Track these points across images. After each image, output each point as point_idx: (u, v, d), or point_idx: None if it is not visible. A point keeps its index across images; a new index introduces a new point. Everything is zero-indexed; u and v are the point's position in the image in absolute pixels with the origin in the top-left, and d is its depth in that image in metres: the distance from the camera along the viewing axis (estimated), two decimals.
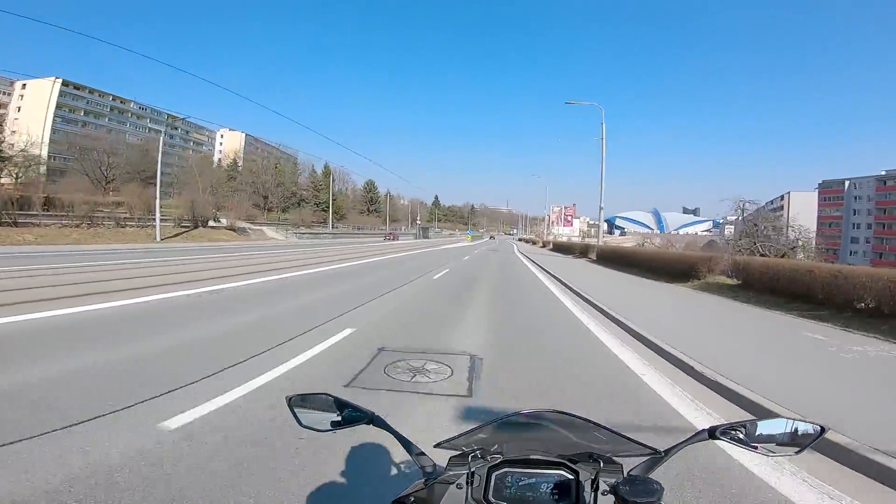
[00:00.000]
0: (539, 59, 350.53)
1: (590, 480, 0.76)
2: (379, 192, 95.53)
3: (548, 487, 0.77)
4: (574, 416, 0.81)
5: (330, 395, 0.95)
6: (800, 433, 0.81)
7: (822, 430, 0.80)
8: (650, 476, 0.78)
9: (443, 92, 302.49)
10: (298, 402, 0.95)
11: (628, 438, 0.80)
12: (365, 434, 1.19)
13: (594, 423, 0.81)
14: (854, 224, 68.55)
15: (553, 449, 0.82)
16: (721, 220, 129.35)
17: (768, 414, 3.20)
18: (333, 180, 76.05)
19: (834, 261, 36.59)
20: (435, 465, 0.86)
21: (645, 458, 0.82)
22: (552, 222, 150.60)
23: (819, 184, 76.30)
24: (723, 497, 2.29)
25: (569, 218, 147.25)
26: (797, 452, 0.81)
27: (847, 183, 70.28)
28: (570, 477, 0.78)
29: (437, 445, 0.84)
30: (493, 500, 0.77)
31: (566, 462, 0.79)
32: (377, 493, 2.06)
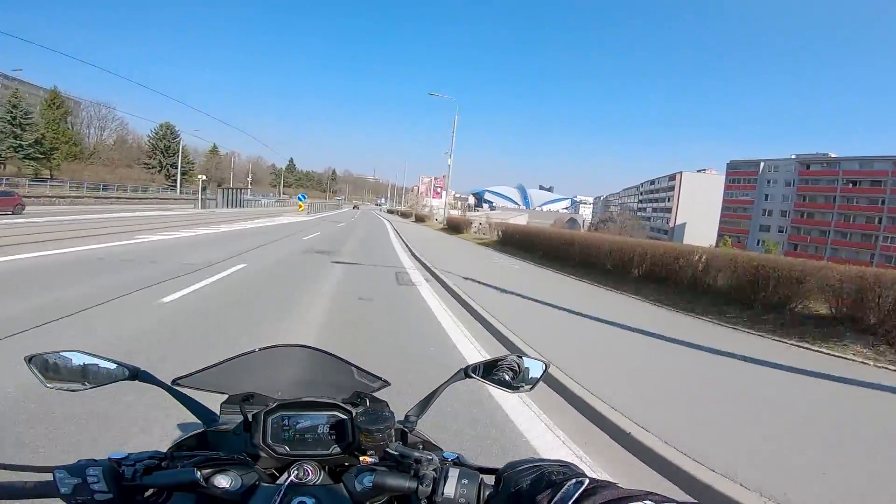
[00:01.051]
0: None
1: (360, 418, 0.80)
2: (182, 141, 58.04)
3: (324, 428, 0.81)
4: (319, 350, 0.90)
5: (85, 353, 0.83)
6: (530, 370, 0.93)
7: (546, 365, 0.96)
8: (423, 414, 0.87)
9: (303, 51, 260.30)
10: (42, 359, 0.80)
11: (364, 371, 0.90)
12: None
13: (337, 357, 0.90)
14: (765, 210, 58.93)
15: (323, 388, 0.87)
16: (577, 199, 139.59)
17: None
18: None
19: (742, 249, 34.13)
20: (213, 413, 0.87)
21: (421, 398, 0.89)
22: (421, 193, 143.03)
23: (728, 164, 66.12)
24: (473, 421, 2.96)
25: (438, 190, 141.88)
26: (531, 388, 0.93)
27: (762, 164, 60.14)
28: (344, 417, 0.81)
29: (175, 382, 0.83)
30: (272, 442, 0.79)
31: (339, 403, 0.83)
32: (153, 443, 2.20)
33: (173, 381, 0.83)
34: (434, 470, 0.66)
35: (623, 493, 0.48)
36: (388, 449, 0.75)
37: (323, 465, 0.77)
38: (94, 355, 0.83)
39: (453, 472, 0.65)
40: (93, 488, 0.61)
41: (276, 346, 0.89)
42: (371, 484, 0.67)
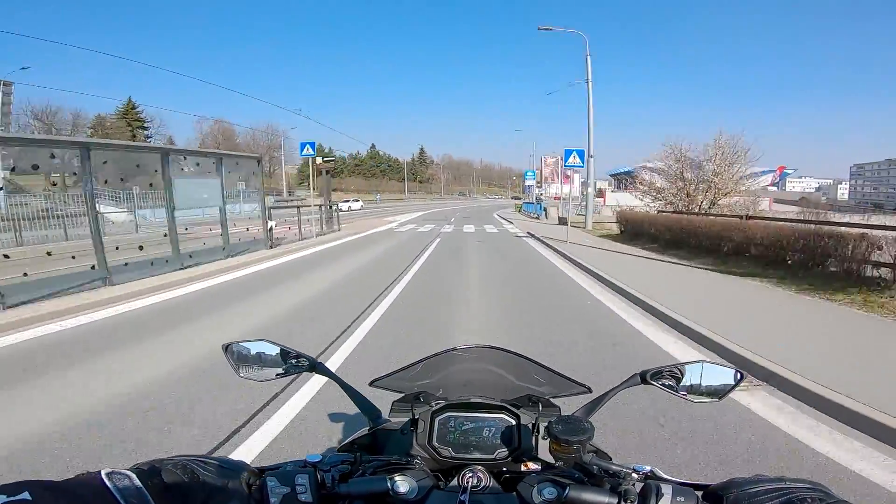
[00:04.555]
0: None
1: (530, 424, 0.80)
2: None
3: (490, 432, 0.79)
4: (510, 352, 0.85)
5: (271, 342, 0.90)
6: (721, 379, 0.83)
7: (741, 376, 0.83)
8: (588, 416, 0.81)
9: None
10: (236, 349, 0.89)
11: (561, 375, 0.84)
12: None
13: (529, 360, 0.85)
14: None
15: (492, 390, 0.84)
16: (790, 171, 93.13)
17: None
18: None
19: None
20: (378, 410, 0.89)
21: (585, 402, 0.86)
22: (546, 178, 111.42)
23: None
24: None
25: (567, 173, 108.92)
26: (719, 398, 0.82)
27: None
28: (512, 421, 0.79)
29: (372, 383, 0.86)
30: (437, 444, 0.79)
31: (507, 406, 0.81)
32: (321, 441, 2.35)
33: (371, 383, 0.86)
34: (636, 486, 0.61)
35: None
36: (581, 461, 0.70)
37: (490, 470, 0.74)
38: (280, 345, 0.88)
39: (666, 489, 0.58)
40: (300, 499, 0.62)
41: (471, 346, 0.87)
42: (552, 496, 0.63)
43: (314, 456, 0.69)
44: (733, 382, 0.82)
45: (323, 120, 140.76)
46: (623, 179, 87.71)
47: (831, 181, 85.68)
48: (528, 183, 37.23)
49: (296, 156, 64.48)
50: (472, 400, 0.81)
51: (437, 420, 0.79)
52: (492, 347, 0.85)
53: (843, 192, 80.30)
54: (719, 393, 0.82)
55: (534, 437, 0.80)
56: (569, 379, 0.85)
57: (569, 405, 0.86)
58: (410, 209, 41.32)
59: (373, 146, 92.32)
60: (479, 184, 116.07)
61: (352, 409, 0.90)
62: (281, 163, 61.31)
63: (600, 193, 50.36)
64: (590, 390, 0.85)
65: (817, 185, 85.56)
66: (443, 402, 0.81)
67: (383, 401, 0.90)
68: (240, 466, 0.64)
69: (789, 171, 77.67)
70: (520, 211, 36.76)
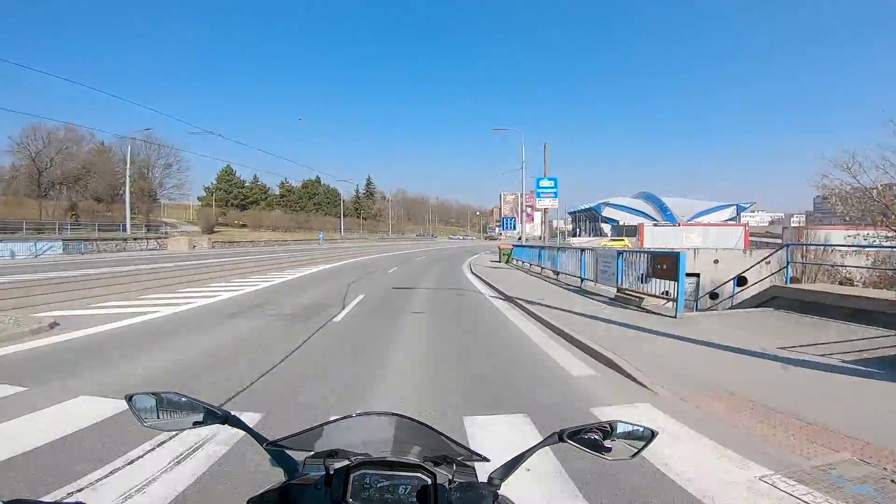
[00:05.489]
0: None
1: (447, 483, 0.80)
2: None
3: (406, 490, 0.79)
4: (409, 419, 0.86)
5: (181, 395, 0.90)
6: (635, 437, 0.86)
7: (653, 434, 0.86)
8: (508, 477, 0.83)
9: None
10: (140, 399, 0.89)
11: (460, 445, 0.84)
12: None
13: (428, 427, 0.85)
14: None
15: (407, 449, 0.87)
16: (747, 205, 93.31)
17: None
18: None
19: None
20: (297, 464, 0.88)
21: (506, 461, 0.87)
22: (507, 216, 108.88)
23: None
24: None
25: (528, 211, 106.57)
26: (632, 457, 0.85)
27: None
28: (428, 480, 0.79)
29: (270, 445, 0.85)
30: (350, 501, 0.78)
31: (424, 465, 0.82)
32: (234, 492, 2.26)
33: (267, 445, 0.85)
34: None
35: None
36: None
37: None
38: (190, 398, 0.89)
39: None
40: None
41: (372, 412, 0.89)
42: None
43: None
44: (646, 440, 0.85)
45: (266, 147, 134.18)
46: (579, 217, 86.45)
47: (783, 214, 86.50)
48: (540, 204, 20.49)
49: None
50: (389, 458, 0.82)
51: (352, 476, 0.79)
52: (393, 414, 0.87)
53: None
54: (632, 451, 0.85)
55: (448, 498, 0.80)
56: (468, 449, 0.84)
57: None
58: (333, 256, 28.44)
59: (317, 177, 78.33)
60: (435, 222, 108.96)
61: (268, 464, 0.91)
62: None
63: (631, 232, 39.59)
64: (487, 460, 0.83)
65: (770, 219, 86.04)
66: (360, 459, 0.81)
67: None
68: None
69: (745, 205, 77.45)
70: (507, 262, 22.07)
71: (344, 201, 77.68)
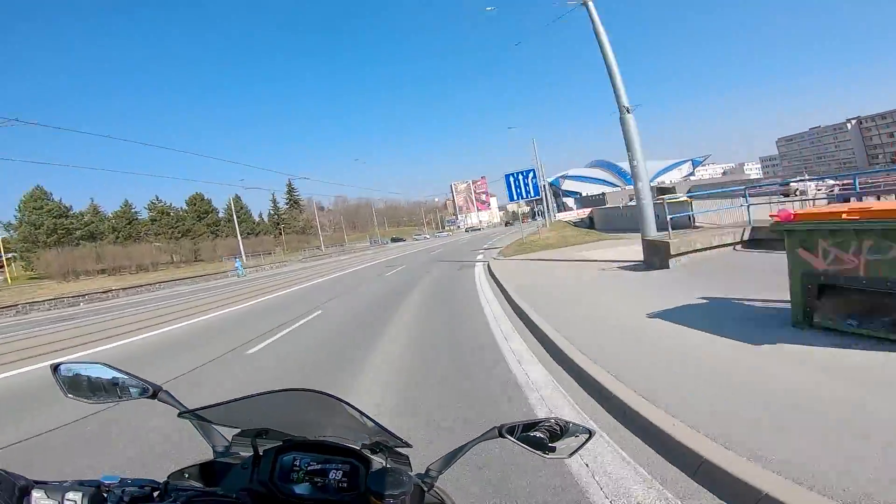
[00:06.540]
0: None
1: (379, 470, 0.78)
2: None
3: (336, 475, 0.77)
4: (338, 399, 0.76)
5: (108, 365, 0.85)
6: (571, 434, 0.84)
7: (590, 434, 0.84)
8: (445, 470, 0.80)
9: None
10: (66, 369, 0.84)
11: (385, 430, 0.79)
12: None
13: (358, 411, 0.79)
14: None
15: (338, 432, 0.83)
16: (701, 159, 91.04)
17: None
18: None
19: None
20: (228, 443, 0.85)
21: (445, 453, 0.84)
22: (460, 207, 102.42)
23: None
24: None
25: (483, 198, 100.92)
26: (569, 455, 0.83)
27: None
28: (360, 467, 0.77)
29: (181, 414, 0.80)
30: (278, 482, 0.76)
31: (360, 451, 0.80)
32: (160, 467, 2.25)
33: (180, 413, 0.81)
34: None
35: None
36: None
37: None
38: (119, 369, 0.85)
39: None
40: None
41: (294, 389, 0.79)
42: None
43: (111, 477, 0.67)
44: (583, 440, 0.83)
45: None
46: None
47: (734, 165, 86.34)
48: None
49: None
50: (321, 440, 0.79)
51: (280, 458, 0.77)
52: (322, 393, 0.79)
53: (751, 173, 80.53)
54: (570, 450, 0.83)
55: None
56: (389, 432, 0.81)
57: (433, 455, 0.83)
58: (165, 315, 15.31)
59: (197, 193, 61.29)
60: (385, 225, 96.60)
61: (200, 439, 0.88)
62: None
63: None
64: (409, 445, 0.82)
65: (723, 171, 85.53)
66: (292, 441, 0.78)
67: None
68: (1, 478, 0.60)
69: (699, 160, 76.04)
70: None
71: (259, 217, 65.60)
